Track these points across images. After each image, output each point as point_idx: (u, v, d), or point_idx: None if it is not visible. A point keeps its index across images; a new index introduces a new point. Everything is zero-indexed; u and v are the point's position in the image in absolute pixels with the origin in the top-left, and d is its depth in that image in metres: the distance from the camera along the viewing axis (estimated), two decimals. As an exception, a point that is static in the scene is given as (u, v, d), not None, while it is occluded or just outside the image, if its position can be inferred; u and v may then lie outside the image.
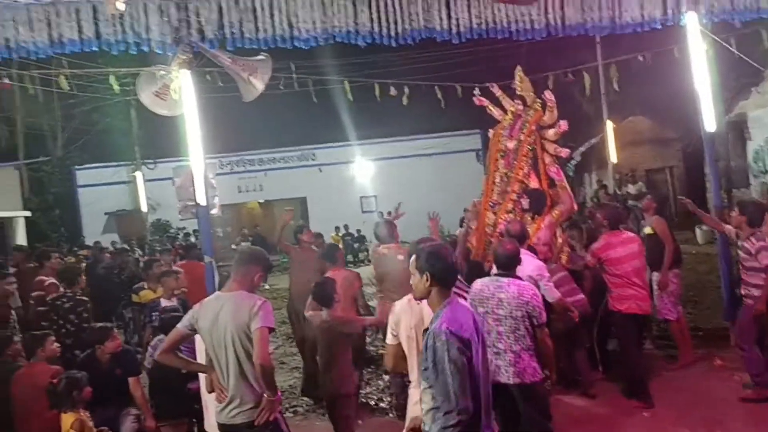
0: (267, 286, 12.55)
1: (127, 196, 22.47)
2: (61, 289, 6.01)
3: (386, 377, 5.96)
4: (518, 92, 6.38)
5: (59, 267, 6.93)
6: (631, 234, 5.51)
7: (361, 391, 5.70)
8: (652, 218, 6.34)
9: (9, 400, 4.28)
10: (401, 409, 4.54)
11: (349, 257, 18.45)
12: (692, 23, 5.98)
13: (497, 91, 6.62)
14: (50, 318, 5.56)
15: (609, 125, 17.35)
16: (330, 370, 4.34)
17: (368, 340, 7.55)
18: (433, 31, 5.30)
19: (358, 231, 20.38)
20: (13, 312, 5.81)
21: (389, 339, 3.52)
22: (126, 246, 13.85)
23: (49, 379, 4.13)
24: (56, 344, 4.64)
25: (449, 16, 5.31)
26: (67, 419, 3.99)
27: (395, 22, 5.19)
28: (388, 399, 5.68)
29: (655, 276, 6.12)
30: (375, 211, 20.75)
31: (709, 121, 6.13)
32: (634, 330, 5.23)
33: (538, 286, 4.21)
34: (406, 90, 9.97)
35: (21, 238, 17.86)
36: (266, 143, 22.78)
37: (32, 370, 4.37)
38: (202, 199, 5.01)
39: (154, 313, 5.75)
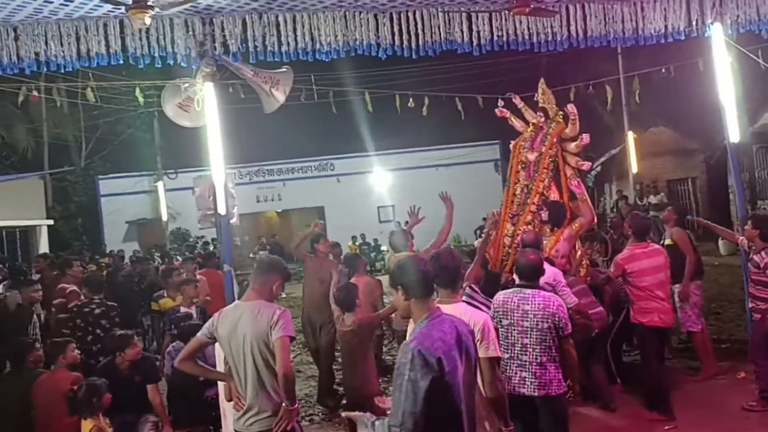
0: (284, 295, 12.58)
1: (148, 206, 22.79)
2: (82, 297, 6.09)
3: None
4: (540, 104, 6.36)
5: (84, 274, 7.03)
6: (657, 246, 5.45)
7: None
8: (673, 229, 6.29)
9: (30, 406, 4.34)
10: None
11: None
12: (717, 34, 5.91)
13: (519, 102, 6.61)
14: (76, 324, 5.62)
15: (630, 136, 17.20)
16: (353, 374, 4.35)
17: (384, 349, 7.53)
18: (453, 43, 5.33)
19: (375, 240, 20.40)
20: (35, 319, 5.91)
21: None
22: (147, 255, 14.02)
23: (69, 386, 4.18)
24: (77, 351, 4.70)
25: (470, 29, 5.33)
26: (87, 425, 4.04)
27: (416, 35, 5.23)
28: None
29: (677, 288, 6.05)
30: (393, 221, 20.75)
31: (734, 132, 6.05)
32: (655, 343, 5.15)
33: (555, 293, 4.19)
34: (426, 101, 10.00)
35: (44, 246, 18.21)
36: (285, 153, 22.99)
37: (53, 377, 4.43)
38: (222, 209, 5.06)
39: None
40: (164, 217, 21.91)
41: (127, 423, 4.56)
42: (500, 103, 6.72)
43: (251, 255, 16.48)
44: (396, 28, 5.19)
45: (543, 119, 6.24)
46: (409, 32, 5.21)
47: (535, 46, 5.53)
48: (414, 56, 5.31)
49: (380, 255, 19.51)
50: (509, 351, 3.75)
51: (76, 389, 4.11)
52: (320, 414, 5.95)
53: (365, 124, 19.51)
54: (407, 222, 10.58)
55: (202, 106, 5.11)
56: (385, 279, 9.03)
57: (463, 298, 3.91)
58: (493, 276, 5.35)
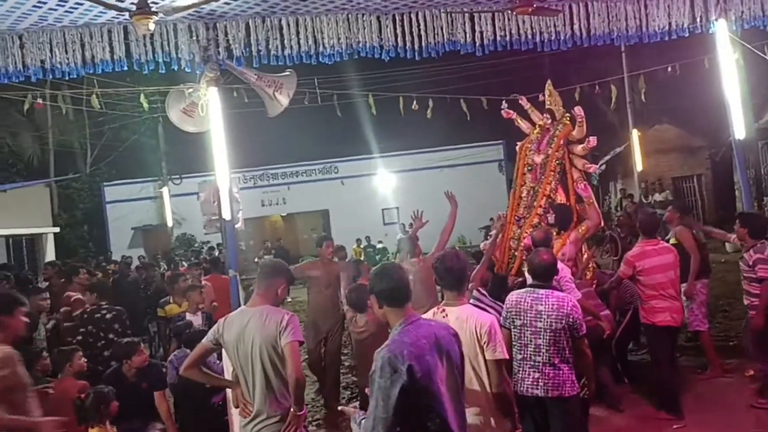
0: (289, 299, 12.57)
1: (153, 212, 22.87)
2: (87, 305, 6.07)
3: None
4: (547, 106, 6.32)
5: (91, 281, 7.03)
6: (667, 244, 5.41)
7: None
8: (677, 228, 6.25)
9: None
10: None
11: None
12: (722, 31, 5.87)
13: (526, 103, 6.57)
14: (88, 330, 5.59)
15: (634, 134, 17.13)
16: (365, 374, 4.34)
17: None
18: (456, 44, 5.31)
19: (380, 242, 20.40)
20: (41, 327, 5.90)
21: None
22: (152, 261, 14.04)
23: (76, 394, 4.17)
24: (84, 359, 4.70)
25: (473, 30, 5.31)
26: (94, 433, 4.03)
27: (419, 36, 5.22)
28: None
29: (683, 287, 6.01)
30: (397, 223, 20.74)
31: (739, 128, 6.00)
32: (668, 342, 5.11)
33: (558, 287, 4.14)
34: (431, 103, 9.98)
35: (50, 254, 18.27)
36: (289, 157, 23.03)
37: (61, 385, 4.42)
38: (227, 213, 5.05)
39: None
40: (169, 223, 21.97)
41: (134, 430, 4.55)
42: (504, 104, 6.69)
43: (256, 259, 16.48)
44: (399, 30, 5.18)
45: (550, 121, 6.20)
46: (411, 34, 5.20)
47: (538, 46, 5.51)
48: (417, 58, 5.29)
49: (385, 257, 19.49)
50: (522, 352, 3.69)
51: (84, 397, 4.10)
52: (324, 414, 5.96)
53: (369, 127, 19.55)
54: (411, 224, 10.55)
55: (207, 110, 5.12)
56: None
57: (471, 301, 3.88)
58: (500, 279, 5.32)
